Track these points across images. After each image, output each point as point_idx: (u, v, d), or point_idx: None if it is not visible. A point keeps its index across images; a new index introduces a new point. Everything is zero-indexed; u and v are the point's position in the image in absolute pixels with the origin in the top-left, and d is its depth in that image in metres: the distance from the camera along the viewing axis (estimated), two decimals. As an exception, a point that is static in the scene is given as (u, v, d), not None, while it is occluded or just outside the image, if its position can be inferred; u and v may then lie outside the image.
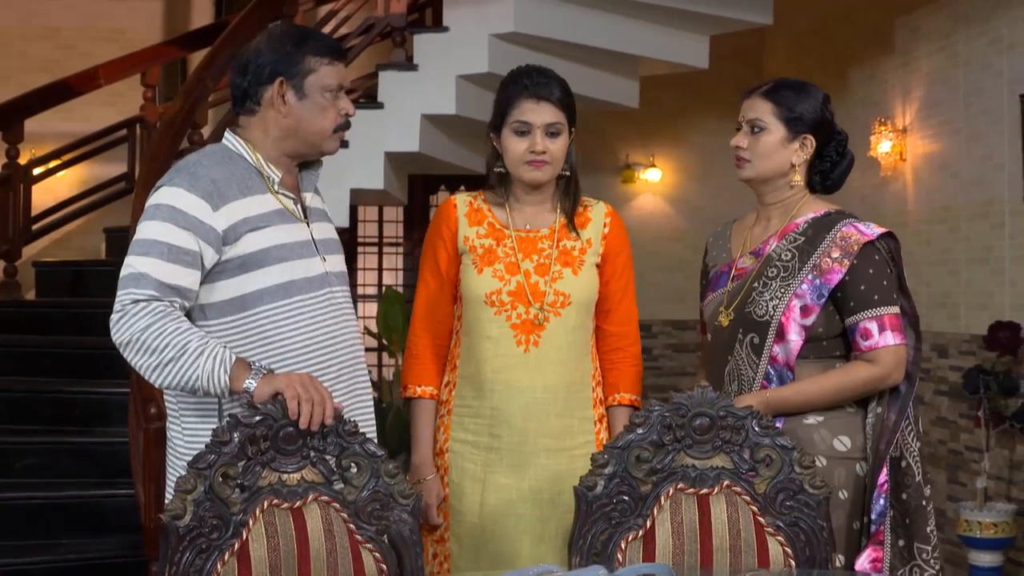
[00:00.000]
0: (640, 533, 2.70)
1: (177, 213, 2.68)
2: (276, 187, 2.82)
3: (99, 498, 4.76)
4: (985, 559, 5.60)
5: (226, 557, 2.45)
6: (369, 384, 2.97)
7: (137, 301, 2.63)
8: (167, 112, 5.72)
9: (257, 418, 2.53)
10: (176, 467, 2.80)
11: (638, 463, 2.72)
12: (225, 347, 2.62)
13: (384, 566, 2.59)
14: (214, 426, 2.65)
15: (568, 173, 3.15)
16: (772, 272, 3.06)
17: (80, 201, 6.95)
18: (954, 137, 6.41)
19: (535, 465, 3.09)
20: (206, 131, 5.42)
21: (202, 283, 2.72)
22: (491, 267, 3.10)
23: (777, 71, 8.56)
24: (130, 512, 4.63)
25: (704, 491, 2.73)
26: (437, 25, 6.02)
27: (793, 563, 2.68)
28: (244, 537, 2.48)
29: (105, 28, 8.11)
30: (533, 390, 3.09)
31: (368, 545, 2.59)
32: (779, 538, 2.71)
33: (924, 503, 3.01)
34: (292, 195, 2.85)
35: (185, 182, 2.71)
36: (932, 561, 2.98)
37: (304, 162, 2.91)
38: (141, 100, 6.82)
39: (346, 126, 2.88)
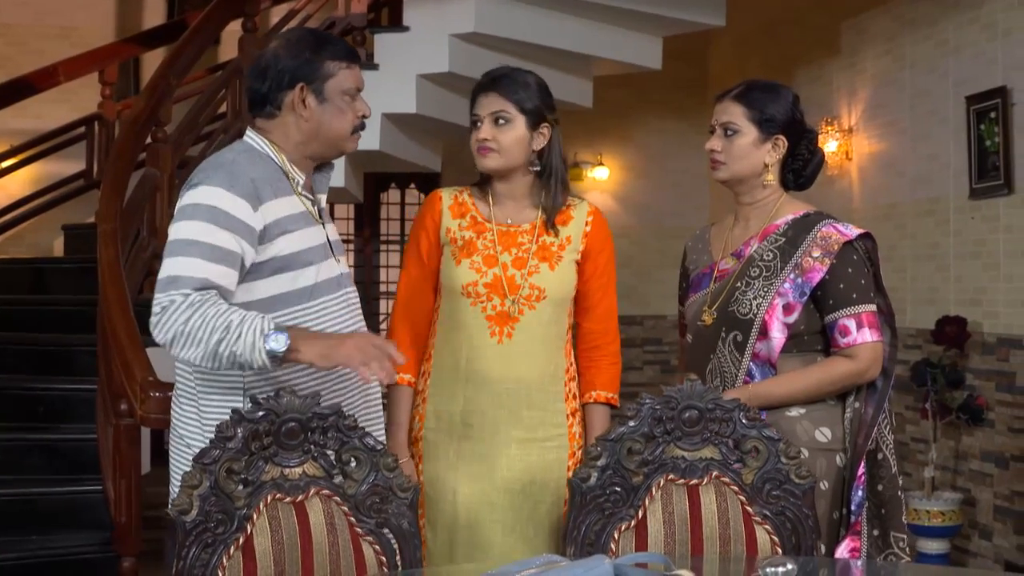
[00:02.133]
0: (632, 523, 2.76)
1: (219, 213, 2.69)
2: (299, 189, 2.86)
3: (68, 494, 4.73)
4: (933, 546, 5.77)
5: (231, 551, 2.48)
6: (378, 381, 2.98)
7: (174, 299, 2.64)
8: (128, 110, 5.71)
9: (260, 413, 2.56)
10: (186, 458, 2.77)
11: (630, 455, 2.78)
12: (260, 317, 2.63)
13: (384, 558, 2.63)
14: (237, 404, 2.71)
15: (537, 168, 3.21)
16: (755, 272, 3.13)
17: (37, 199, 6.90)
18: (900, 137, 6.57)
19: (506, 455, 3.14)
20: (169, 129, 5.40)
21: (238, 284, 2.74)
22: (469, 259, 3.16)
23: (722, 71, 8.72)
24: (99, 508, 4.63)
25: (694, 482, 2.80)
26: (397, 24, 6.06)
27: (780, 551, 2.75)
28: (248, 531, 2.51)
29: (57, 25, 8.04)
30: (505, 381, 3.15)
31: (368, 538, 2.63)
32: (766, 527, 2.78)
33: (899, 494, 3.11)
34: (310, 197, 2.91)
35: (225, 181, 2.72)
36: (907, 549, 3.09)
37: (319, 164, 2.97)
38: (95, 97, 6.79)
39: (362, 127, 2.93)
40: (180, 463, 2.84)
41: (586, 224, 3.25)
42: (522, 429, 3.16)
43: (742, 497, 2.80)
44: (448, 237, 3.20)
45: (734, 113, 3.17)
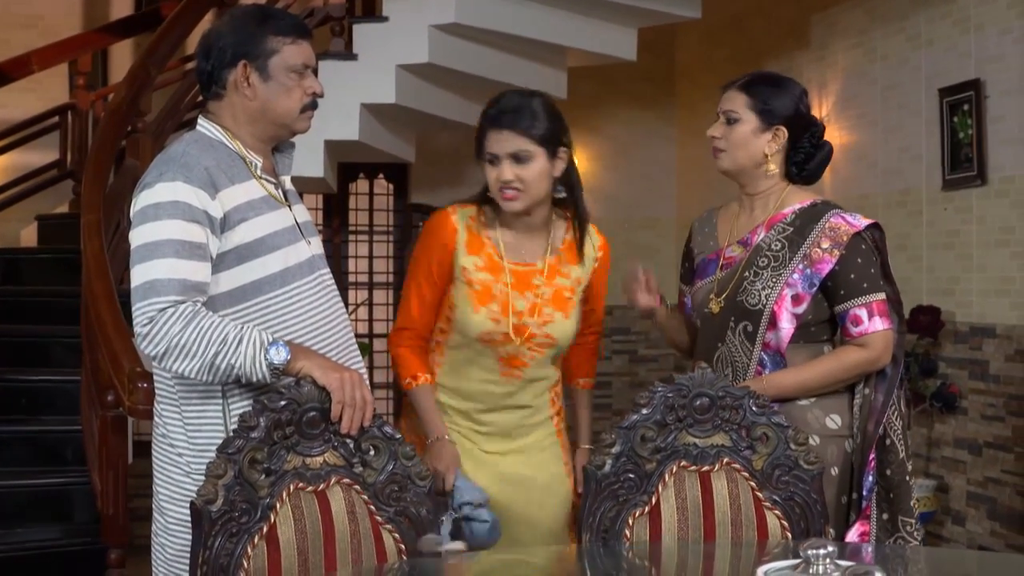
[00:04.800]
0: (646, 509, 2.81)
1: (181, 207, 2.61)
2: (258, 172, 2.78)
3: (53, 486, 4.72)
4: (908, 533, 5.84)
5: (256, 540, 2.50)
6: (362, 361, 2.96)
7: (164, 309, 2.57)
8: (100, 100, 5.68)
9: (282, 403, 2.57)
10: (170, 456, 2.78)
11: (643, 442, 2.82)
12: (259, 331, 2.62)
13: (403, 546, 2.66)
14: (216, 410, 2.70)
15: (563, 195, 3.20)
16: (763, 262, 3.16)
17: (10, 189, 6.83)
18: (871, 129, 6.65)
19: (507, 455, 3.28)
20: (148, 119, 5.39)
21: None
22: (487, 307, 3.17)
23: (689, 64, 8.78)
24: (85, 499, 4.62)
25: (705, 468, 2.85)
26: (377, 15, 6.05)
27: (789, 535, 2.81)
28: (272, 520, 2.52)
29: (22, 14, 7.93)
30: (507, 405, 3.28)
31: (388, 526, 2.66)
32: (776, 512, 2.84)
33: (907, 478, 3.16)
34: (272, 179, 2.82)
35: (181, 174, 2.63)
36: (916, 533, 3.16)
37: (277, 144, 2.88)
38: (62, 87, 6.75)
39: (313, 105, 2.82)
40: (163, 461, 2.81)
41: (595, 260, 3.31)
42: (521, 439, 3.30)
43: (752, 483, 2.85)
44: (464, 277, 3.19)
45: (736, 101, 3.20)
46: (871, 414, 3.15)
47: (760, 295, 3.13)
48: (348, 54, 5.88)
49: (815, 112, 7.05)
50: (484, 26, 5.94)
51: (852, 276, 3.11)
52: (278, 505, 2.54)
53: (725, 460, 2.86)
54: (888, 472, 3.14)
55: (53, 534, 4.60)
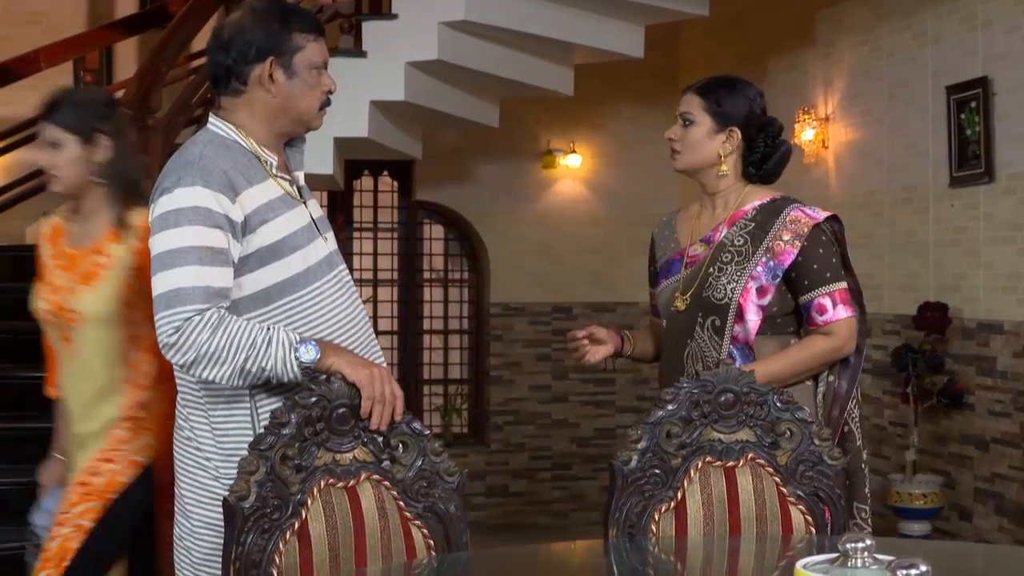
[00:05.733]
0: (672, 504, 2.82)
1: (202, 212, 2.58)
2: (273, 171, 2.75)
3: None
4: (915, 528, 5.87)
5: (287, 536, 2.50)
6: (382, 355, 2.95)
7: (190, 318, 2.55)
8: (120, 97, 5.64)
9: (313, 399, 2.57)
10: (197, 459, 2.76)
11: (668, 438, 2.83)
12: (287, 331, 2.62)
13: (431, 542, 2.66)
14: (244, 414, 2.70)
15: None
16: (726, 257, 3.26)
17: (16, 187, 6.80)
18: (877, 126, 6.67)
19: None
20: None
21: None
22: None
23: (693, 60, 8.79)
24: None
25: (730, 464, 2.86)
26: (386, 12, 6.06)
27: (814, 530, 2.82)
28: (303, 516, 2.52)
29: (25, 11, 7.90)
30: None
31: (417, 522, 2.66)
32: (800, 507, 2.85)
33: (863, 466, 3.29)
34: (286, 176, 2.80)
35: (200, 179, 2.60)
36: (869, 520, 3.27)
37: (289, 140, 2.86)
38: (65, 84, 6.70)
39: (328, 103, 2.82)
40: (189, 464, 2.78)
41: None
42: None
43: (777, 478, 2.87)
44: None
45: (692, 104, 3.33)
46: (835, 400, 3.25)
47: (726, 289, 3.22)
48: (358, 51, 5.88)
49: (821, 109, 7.14)
50: (494, 23, 5.95)
51: (815, 266, 3.22)
52: (309, 501, 2.55)
53: (750, 455, 2.87)
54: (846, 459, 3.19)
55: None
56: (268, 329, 2.60)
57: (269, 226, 2.69)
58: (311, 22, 2.80)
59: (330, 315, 2.78)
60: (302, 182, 2.88)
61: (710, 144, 3.30)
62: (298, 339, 2.60)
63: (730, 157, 3.31)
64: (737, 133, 3.29)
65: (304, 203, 2.82)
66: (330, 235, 2.88)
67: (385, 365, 2.88)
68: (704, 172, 3.35)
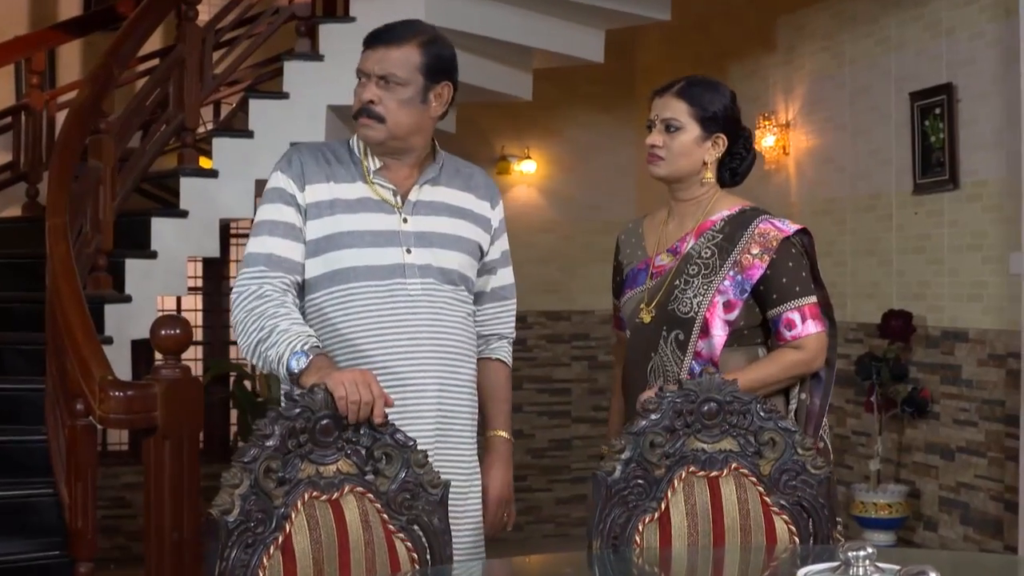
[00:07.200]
0: (656, 515, 2.77)
1: (279, 192, 2.86)
2: (372, 176, 2.88)
3: (18, 498, 4.56)
4: (879, 538, 5.83)
5: (271, 550, 2.44)
6: (424, 374, 2.88)
7: (247, 284, 2.78)
8: (72, 100, 5.53)
9: (296, 410, 2.52)
10: None
11: (652, 448, 2.79)
12: (303, 336, 2.68)
13: (415, 555, 2.61)
14: None
15: None
16: (693, 270, 3.18)
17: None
18: (839, 132, 6.65)
19: None
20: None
21: None
22: None
23: (650, 66, 8.75)
24: (51, 512, 4.48)
25: (714, 473, 2.82)
26: (343, 15, 5.95)
27: (797, 540, 2.79)
28: (287, 530, 2.47)
29: (-35, 13, 7.75)
30: None
31: (400, 535, 2.61)
32: (784, 516, 2.82)
33: (831, 477, 3.22)
34: (391, 185, 2.88)
35: (283, 165, 2.89)
36: (839, 528, 3.15)
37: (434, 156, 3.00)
38: (7, 87, 6.56)
39: (361, 112, 2.85)
40: None
41: None
42: None
43: (760, 488, 2.83)
44: None
45: (677, 109, 3.21)
46: (809, 418, 3.20)
47: (692, 303, 3.15)
48: (315, 55, 5.79)
49: (782, 115, 7.12)
50: (454, 27, 5.83)
51: (784, 280, 3.15)
52: (293, 514, 2.49)
53: (733, 465, 2.83)
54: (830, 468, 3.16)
55: (18, 548, 4.44)
56: (291, 324, 2.71)
57: (320, 222, 2.85)
58: (372, 33, 2.94)
59: (356, 318, 2.84)
60: (420, 196, 2.92)
61: (697, 151, 3.20)
62: (303, 345, 2.66)
63: (713, 164, 3.23)
64: (723, 140, 3.21)
65: (399, 212, 2.87)
66: (427, 251, 2.88)
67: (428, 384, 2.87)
68: (685, 180, 3.24)
